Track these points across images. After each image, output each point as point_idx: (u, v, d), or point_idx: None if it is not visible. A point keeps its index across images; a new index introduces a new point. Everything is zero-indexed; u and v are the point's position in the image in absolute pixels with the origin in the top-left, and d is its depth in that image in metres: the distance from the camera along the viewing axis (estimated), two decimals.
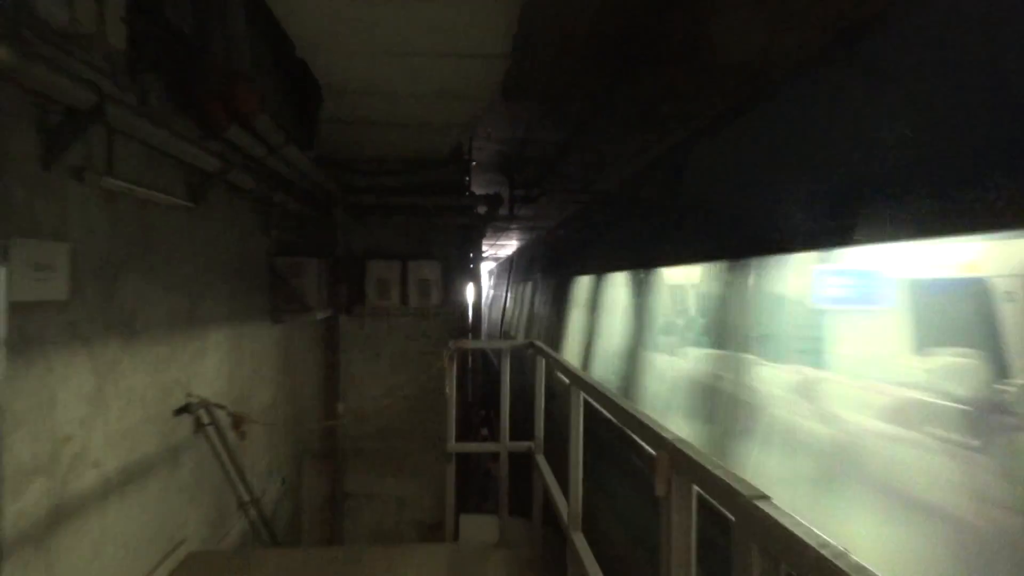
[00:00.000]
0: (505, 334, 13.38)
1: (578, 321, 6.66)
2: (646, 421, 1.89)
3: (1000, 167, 1.52)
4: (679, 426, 3.21)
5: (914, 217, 1.74)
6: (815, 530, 1.03)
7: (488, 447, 5.25)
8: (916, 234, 1.76)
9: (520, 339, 10.38)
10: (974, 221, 1.55)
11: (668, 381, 4.23)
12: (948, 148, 1.68)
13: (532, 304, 10.09)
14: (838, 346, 3.09)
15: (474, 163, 7.45)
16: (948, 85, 1.74)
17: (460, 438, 5.48)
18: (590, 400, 2.61)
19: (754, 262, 2.91)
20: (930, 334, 2.73)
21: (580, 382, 2.71)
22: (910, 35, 1.96)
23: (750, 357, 2.97)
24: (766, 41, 4.36)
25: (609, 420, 2.23)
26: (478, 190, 7.66)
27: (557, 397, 4.91)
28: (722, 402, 3.14)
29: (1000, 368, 2.30)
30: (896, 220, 1.82)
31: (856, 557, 0.94)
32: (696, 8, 4.08)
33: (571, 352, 6.47)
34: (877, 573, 0.89)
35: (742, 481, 1.29)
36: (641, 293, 4.61)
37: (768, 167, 2.98)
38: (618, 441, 4.14)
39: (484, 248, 11.28)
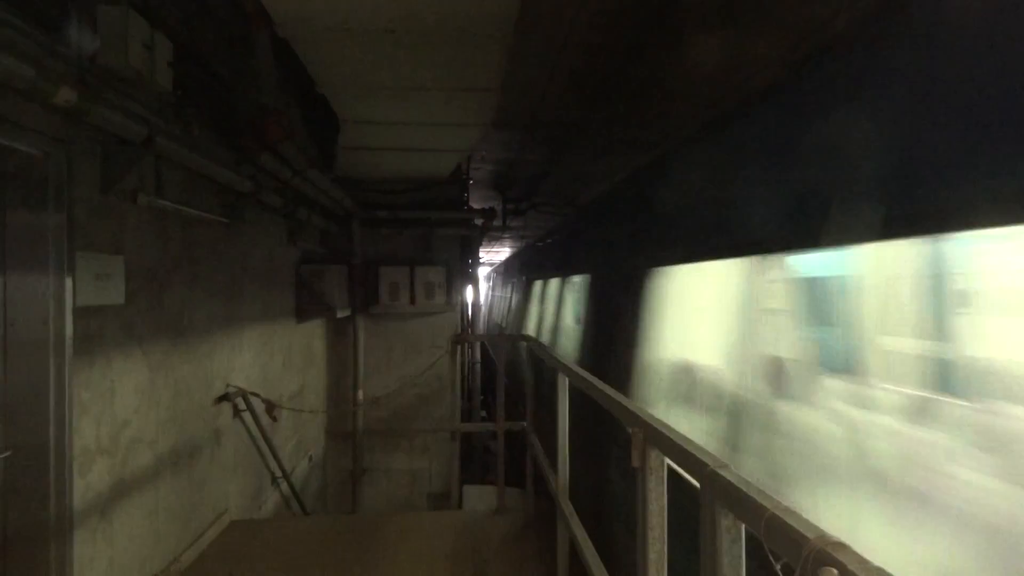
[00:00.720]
0: (499, 327, 13.35)
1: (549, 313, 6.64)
2: (623, 401, 1.88)
3: (937, 179, 1.50)
4: None
5: (870, 221, 1.64)
6: (769, 493, 1.03)
7: (487, 427, 5.26)
8: (871, 237, 1.67)
9: (510, 330, 10.35)
10: (917, 225, 1.52)
11: None
12: (896, 160, 1.65)
13: (529, 302, 9.93)
14: None
15: (471, 181, 7.45)
16: (893, 103, 1.72)
17: (463, 420, 5.49)
18: (575, 384, 2.60)
19: None
20: None
21: (567, 369, 2.70)
22: (857, 64, 1.91)
23: None
24: (725, 74, 4.38)
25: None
26: (475, 205, 7.67)
27: (547, 383, 4.91)
28: None
29: None
30: (853, 225, 1.71)
31: (805, 515, 0.92)
32: (663, 46, 4.10)
33: None
34: (823, 529, 0.87)
35: (706, 452, 1.28)
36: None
37: (733, 180, 2.67)
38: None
39: (481, 254, 11.28)
